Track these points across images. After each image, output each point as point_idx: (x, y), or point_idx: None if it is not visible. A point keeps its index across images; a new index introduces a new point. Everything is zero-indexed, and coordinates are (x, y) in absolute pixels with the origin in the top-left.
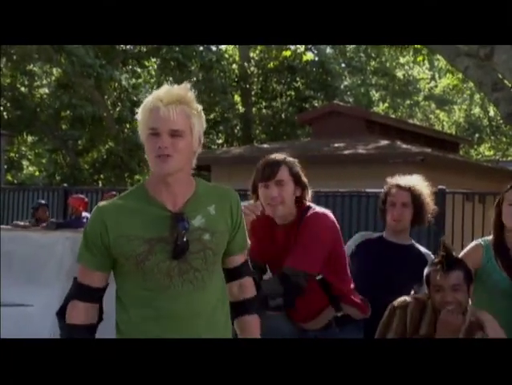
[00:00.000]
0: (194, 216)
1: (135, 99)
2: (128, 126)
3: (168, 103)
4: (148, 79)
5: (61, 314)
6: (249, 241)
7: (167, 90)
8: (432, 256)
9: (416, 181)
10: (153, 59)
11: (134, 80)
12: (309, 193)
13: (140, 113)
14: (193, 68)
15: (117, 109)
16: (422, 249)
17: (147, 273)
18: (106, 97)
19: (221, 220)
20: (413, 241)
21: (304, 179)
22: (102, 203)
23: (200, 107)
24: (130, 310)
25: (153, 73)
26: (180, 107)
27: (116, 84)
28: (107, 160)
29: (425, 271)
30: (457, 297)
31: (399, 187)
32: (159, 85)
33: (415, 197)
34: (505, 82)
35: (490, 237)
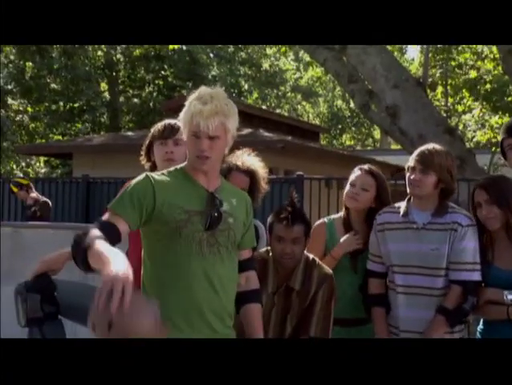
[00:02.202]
0: (222, 202)
1: None
2: None
3: (207, 118)
4: (6, 64)
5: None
6: None
7: (205, 102)
8: (262, 225)
9: (256, 164)
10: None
11: None
12: None
13: (183, 115)
14: (54, 54)
15: None
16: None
17: (183, 239)
18: None
19: (241, 212)
20: None
21: None
22: (148, 173)
23: (233, 109)
24: (157, 275)
25: (12, 58)
26: (217, 119)
27: None
28: None
29: (269, 220)
30: (294, 250)
31: (239, 170)
32: (17, 71)
33: (252, 182)
34: (360, 74)
35: (335, 216)
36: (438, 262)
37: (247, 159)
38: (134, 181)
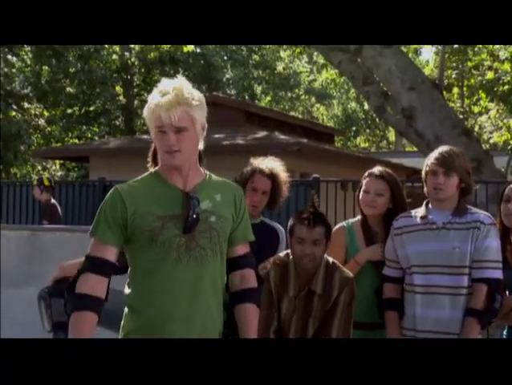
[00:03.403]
0: (202, 200)
1: (8, 88)
2: (1, 116)
3: (167, 109)
4: (23, 68)
5: (70, 288)
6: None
7: (165, 93)
8: (283, 229)
9: (278, 168)
10: (27, 47)
11: (7, 69)
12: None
13: (144, 113)
14: (70, 58)
15: None
16: (273, 223)
17: (159, 247)
18: None
19: (226, 208)
20: (262, 218)
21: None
22: (119, 185)
23: (199, 98)
24: (137, 283)
25: (28, 62)
26: (179, 109)
27: None
28: None
29: (290, 223)
30: (314, 251)
31: (262, 173)
32: (34, 75)
33: (274, 186)
34: (375, 76)
35: (353, 219)
36: (461, 260)
37: (270, 163)
38: (105, 199)
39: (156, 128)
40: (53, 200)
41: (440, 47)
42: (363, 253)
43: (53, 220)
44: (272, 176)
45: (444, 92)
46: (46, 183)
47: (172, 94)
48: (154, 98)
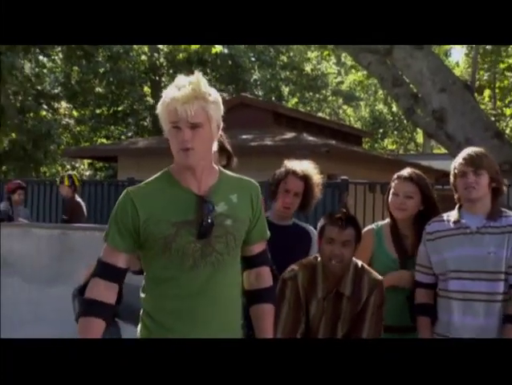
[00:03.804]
0: (217, 203)
1: (39, 88)
2: (31, 115)
3: (184, 103)
4: (53, 68)
5: (81, 292)
6: None
7: (182, 87)
8: (315, 231)
9: (311, 170)
10: (57, 48)
11: (38, 69)
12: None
13: (159, 109)
14: (100, 59)
15: (19, 98)
16: (305, 225)
17: (173, 254)
18: (6, 86)
19: (243, 209)
20: (294, 220)
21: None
22: (131, 188)
23: (215, 96)
24: (152, 289)
25: (59, 62)
26: (196, 103)
27: (18, 73)
28: (10, 152)
29: (320, 223)
30: (343, 252)
31: (295, 175)
32: (65, 75)
33: (307, 187)
34: (405, 78)
35: (383, 222)
36: (496, 266)
37: (304, 165)
38: (117, 203)
39: (171, 124)
40: (78, 198)
41: (472, 48)
42: (392, 277)
43: (74, 218)
44: (305, 178)
45: (476, 94)
46: (78, 183)
47: (189, 88)
48: (170, 92)
